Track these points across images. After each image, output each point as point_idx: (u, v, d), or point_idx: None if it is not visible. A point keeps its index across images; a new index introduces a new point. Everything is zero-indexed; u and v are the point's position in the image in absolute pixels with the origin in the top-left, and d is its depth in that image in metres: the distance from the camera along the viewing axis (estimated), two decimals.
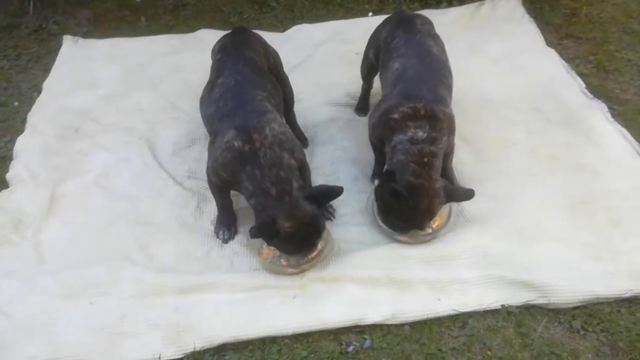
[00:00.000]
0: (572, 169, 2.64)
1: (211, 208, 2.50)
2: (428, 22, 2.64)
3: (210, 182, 2.31)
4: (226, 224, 2.40)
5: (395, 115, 2.28)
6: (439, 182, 2.21)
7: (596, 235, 2.34)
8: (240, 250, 2.34)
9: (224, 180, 2.21)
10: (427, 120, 2.23)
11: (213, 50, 2.59)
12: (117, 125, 2.94)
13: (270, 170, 2.05)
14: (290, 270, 2.21)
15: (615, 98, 3.11)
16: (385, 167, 2.31)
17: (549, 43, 3.51)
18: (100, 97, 3.11)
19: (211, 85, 2.36)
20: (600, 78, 3.29)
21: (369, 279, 2.17)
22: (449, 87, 2.41)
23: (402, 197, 2.16)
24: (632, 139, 2.77)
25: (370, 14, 3.91)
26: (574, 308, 2.13)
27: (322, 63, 3.29)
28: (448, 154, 2.40)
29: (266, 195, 2.04)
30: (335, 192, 2.13)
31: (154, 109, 3.03)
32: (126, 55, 3.40)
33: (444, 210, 2.33)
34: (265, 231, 2.04)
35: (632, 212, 2.44)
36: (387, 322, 2.09)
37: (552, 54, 3.37)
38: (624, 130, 2.83)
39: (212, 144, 2.22)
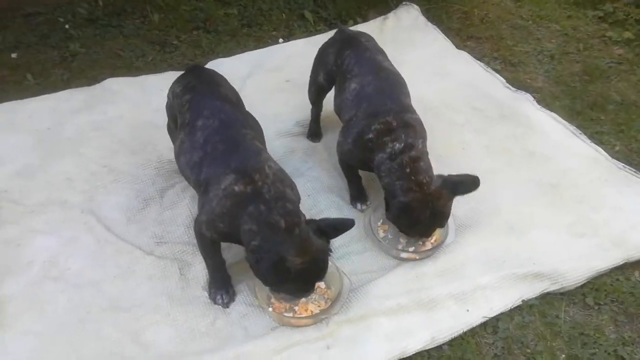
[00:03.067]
0: (527, 158, 2.81)
1: (198, 272, 2.22)
2: (371, 39, 2.65)
3: (202, 239, 2.03)
4: (223, 286, 2.13)
5: (370, 135, 2.24)
6: (435, 183, 2.18)
7: (572, 214, 2.51)
8: (249, 312, 2.09)
9: (221, 233, 1.96)
10: (400, 130, 2.22)
11: (174, 93, 2.30)
12: (46, 202, 2.47)
13: (277, 203, 1.86)
14: (309, 320, 2.02)
15: (530, 87, 3.40)
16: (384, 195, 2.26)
17: (456, 46, 3.73)
18: (11, 174, 2.60)
19: (189, 130, 2.09)
20: (510, 72, 3.58)
21: (397, 308, 2.08)
22: (408, 96, 2.44)
23: (404, 217, 2.13)
24: (563, 121, 3.04)
25: (281, 40, 3.84)
26: (582, 286, 2.25)
27: (257, 96, 3.12)
28: None
29: (274, 229, 1.82)
30: (347, 225, 1.99)
31: (85, 177, 2.61)
32: (28, 120, 2.90)
33: None
34: (277, 272, 1.82)
35: (590, 186, 2.66)
36: (427, 348, 2.00)
37: (465, 55, 3.59)
38: (553, 114, 3.10)
39: (204, 194, 1.95)
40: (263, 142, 2.18)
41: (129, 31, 3.85)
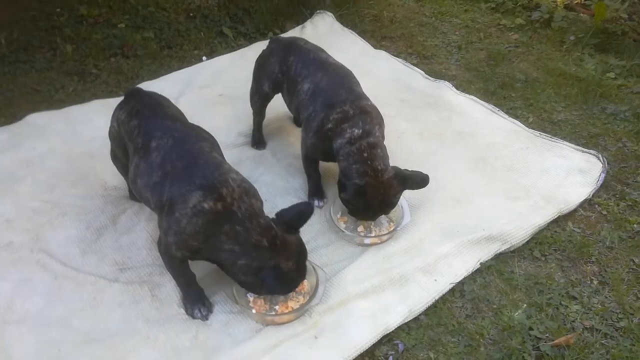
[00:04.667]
0: (456, 138, 3.05)
1: (170, 291, 2.18)
2: (308, 41, 2.76)
3: (170, 260, 2.01)
4: (198, 300, 2.11)
5: (330, 125, 2.35)
6: (389, 172, 2.31)
7: (505, 182, 2.76)
8: (230, 319, 2.09)
9: (193, 251, 1.95)
10: (357, 117, 2.34)
11: (118, 120, 2.23)
12: None
13: (251, 221, 1.90)
14: (292, 315, 2.07)
15: (446, 76, 3.68)
16: (338, 177, 2.35)
17: (374, 46, 3.95)
18: None
19: (143, 153, 2.05)
20: (426, 64, 3.85)
21: (373, 289, 2.17)
22: (359, 85, 2.57)
23: (357, 199, 2.29)
24: (481, 101, 3.32)
25: (204, 58, 3.85)
26: (527, 243, 2.47)
27: (194, 112, 3.07)
28: None
29: (259, 249, 1.89)
30: (307, 212, 2.06)
31: (26, 215, 2.47)
32: None
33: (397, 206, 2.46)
34: (282, 281, 1.95)
35: (514, 155, 2.93)
36: (406, 320, 2.11)
37: (384, 54, 3.81)
38: (471, 96, 3.38)
39: (169, 214, 1.92)
40: (220, 152, 2.19)
41: (41, 65, 3.69)
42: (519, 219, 2.51)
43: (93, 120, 3.07)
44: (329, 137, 2.34)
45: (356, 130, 2.30)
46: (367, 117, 2.35)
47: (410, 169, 2.38)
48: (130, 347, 1.97)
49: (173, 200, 1.92)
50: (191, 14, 4.30)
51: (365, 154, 2.26)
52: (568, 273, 2.36)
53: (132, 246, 2.35)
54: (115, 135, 2.29)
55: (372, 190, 2.26)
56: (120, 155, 2.30)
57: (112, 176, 2.63)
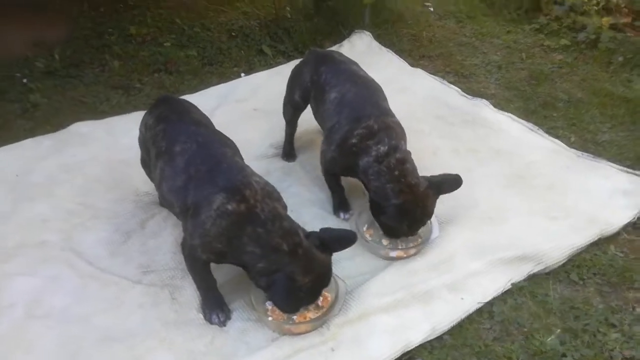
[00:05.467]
0: (493, 155, 2.95)
1: (189, 296, 2.18)
2: (342, 54, 2.78)
3: (194, 263, 2.02)
4: (217, 306, 2.10)
5: (354, 140, 2.32)
6: (423, 184, 2.26)
7: (543, 201, 2.63)
8: (247, 327, 2.06)
9: (217, 254, 1.95)
10: (382, 132, 2.30)
11: (146, 125, 2.30)
12: (22, 245, 2.39)
13: (273, 224, 1.89)
14: (309, 325, 2.01)
15: (485, 95, 3.59)
16: (369, 196, 2.31)
17: (411, 65, 3.92)
18: None
19: (168, 157, 2.09)
20: (464, 83, 3.78)
21: (395, 303, 2.10)
22: (386, 100, 2.55)
23: (399, 218, 2.25)
24: (520, 120, 3.22)
25: (243, 74, 3.93)
26: (564, 265, 2.34)
27: (227, 124, 3.10)
28: None
29: (278, 252, 1.87)
30: (350, 239, 2.02)
31: (61, 216, 2.55)
32: None
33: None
34: (291, 295, 1.89)
35: (553, 174, 2.80)
36: (429, 338, 2.02)
37: (421, 72, 3.78)
38: (510, 114, 3.28)
39: (194, 217, 1.94)
40: (241, 159, 2.21)
41: (89, 79, 3.86)
42: (556, 239, 2.38)
43: (132, 130, 3.13)
44: (353, 152, 2.31)
45: (382, 148, 2.27)
46: (391, 132, 2.32)
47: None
48: (147, 348, 1.97)
49: (197, 203, 1.93)
50: (233, 34, 4.42)
51: (396, 172, 2.22)
52: (608, 299, 2.21)
53: (158, 250, 2.38)
54: (142, 140, 2.35)
55: (412, 206, 2.22)
56: (148, 161, 2.36)
57: (144, 183, 2.69)
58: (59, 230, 2.47)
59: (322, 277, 1.95)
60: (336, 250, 2.00)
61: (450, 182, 2.29)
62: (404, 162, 2.26)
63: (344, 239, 2.00)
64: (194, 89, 3.72)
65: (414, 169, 2.29)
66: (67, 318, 2.08)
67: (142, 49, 4.22)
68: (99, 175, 2.79)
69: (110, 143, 3.05)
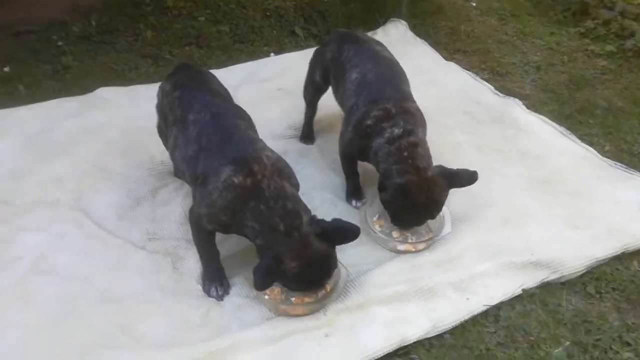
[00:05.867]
0: (518, 157, 2.83)
1: (191, 266, 2.16)
2: (367, 34, 2.70)
3: (199, 231, 1.99)
4: (217, 278, 2.07)
5: (369, 122, 2.25)
6: (432, 170, 2.17)
7: (566, 208, 2.51)
8: (243, 303, 2.03)
9: (222, 225, 1.92)
10: (399, 116, 2.22)
11: (163, 91, 2.29)
12: (35, 202, 2.42)
13: (276, 202, 1.84)
14: (306, 308, 1.96)
15: (518, 95, 3.45)
16: (378, 180, 2.24)
17: (445, 58, 3.80)
18: (0, 176, 2.55)
19: (181, 125, 2.08)
20: (498, 81, 3.64)
21: (396, 296, 2.03)
22: (408, 84, 2.46)
23: (399, 199, 2.14)
24: (553, 123, 3.08)
25: (272, 54, 3.89)
26: (581, 276, 2.22)
27: (249, 103, 3.05)
28: None
29: (274, 232, 1.82)
30: (353, 233, 1.94)
31: (76, 176, 2.57)
32: (18, 126, 2.87)
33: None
34: (270, 274, 1.82)
35: (582, 182, 2.67)
36: (428, 336, 1.94)
37: (454, 66, 3.66)
38: (542, 117, 3.14)
39: (203, 187, 1.91)
40: (256, 132, 2.17)
41: (121, 47, 3.89)
42: (575, 249, 2.26)
43: (155, 99, 3.14)
44: (368, 134, 2.24)
45: (396, 130, 2.19)
46: (409, 117, 2.23)
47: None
48: (142, 313, 1.97)
49: (206, 173, 1.91)
50: (268, 13, 4.38)
51: (405, 153, 2.14)
52: (625, 316, 2.09)
53: (165, 219, 2.37)
54: (159, 107, 2.34)
55: (414, 188, 2.12)
56: (164, 127, 2.34)
57: (160, 152, 2.68)
58: (72, 190, 2.49)
59: (314, 267, 1.85)
60: (337, 243, 1.93)
61: (465, 176, 2.19)
62: (416, 146, 2.18)
63: (347, 232, 1.92)
64: (222, 65, 3.70)
65: (426, 155, 2.20)
66: (68, 275, 2.09)
67: (177, 21, 4.23)
68: (117, 140, 2.80)
69: (132, 110, 3.06)
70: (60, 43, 3.84)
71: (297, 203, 1.91)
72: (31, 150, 2.72)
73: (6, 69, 3.55)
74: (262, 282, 1.83)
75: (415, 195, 2.11)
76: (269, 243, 1.83)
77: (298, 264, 1.82)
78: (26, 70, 3.55)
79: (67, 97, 3.20)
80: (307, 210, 1.92)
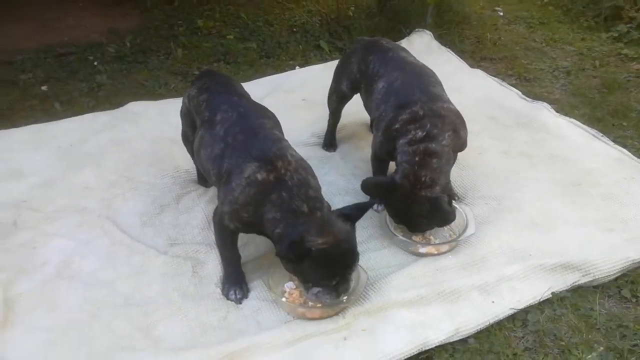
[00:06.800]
0: (547, 161, 2.74)
1: (211, 270, 2.16)
2: (390, 41, 2.70)
3: (222, 231, 2.00)
4: (236, 282, 2.07)
5: (397, 125, 2.24)
6: (429, 191, 2.11)
7: (599, 211, 2.41)
8: (262, 306, 2.01)
9: (245, 223, 1.93)
10: (427, 119, 2.19)
11: (189, 96, 2.34)
12: (64, 209, 2.49)
13: (300, 189, 1.84)
14: (324, 311, 1.93)
15: (547, 99, 3.37)
16: None
17: (470, 66, 3.76)
18: (33, 185, 2.64)
19: (209, 125, 2.12)
20: (525, 86, 3.57)
21: (417, 299, 1.97)
22: (439, 85, 2.42)
23: (385, 191, 2.17)
24: (584, 126, 2.98)
25: (297, 67, 3.94)
26: (615, 279, 2.11)
27: (274, 111, 3.17)
28: (457, 152, 2.35)
29: (296, 214, 1.80)
30: (366, 205, 1.97)
31: (104, 186, 2.64)
32: (53, 139, 2.99)
33: (458, 218, 2.24)
34: (294, 250, 1.76)
35: (615, 185, 2.56)
36: (451, 340, 1.88)
37: (480, 73, 3.61)
38: (572, 120, 3.04)
39: (226, 184, 1.93)
40: (281, 132, 2.19)
41: (153, 65, 4.03)
42: (609, 251, 2.16)
43: None
44: (394, 136, 2.23)
45: (419, 133, 2.16)
46: (437, 120, 2.19)
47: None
48: (162, 316, 1.98)
49: (230, 170, 1.93)
50: (294, 29, 4.47)
51: (416, 158, 2.11)
52: None
53: (187, 224, 2.40)
54: (185, 112, 2.39)
55: (399, 195, 2.13)
56: (190, 134, 2.39)
57: (185, 161, 2.73)
58: (100, 198, 2.55)
59: (338, 244, 1.79)
60: (356, 218, 1.91)
61: (442, 216, 2.14)
62: (431, 155, 2.13)
63: (360, 206, 1.94)
64: (248, 79, 3.76)
65: (440, 169, 2.14)
66: (92, 281, 2.13)
67: (206, 40, 4.36)
68: (145, 150, 2.87)
69: (160, 122, 3.13)
70: (96, 63, 4.02)
71: (320, 193, 1.90)
72: (63, 161, 2.82)
73: (44, 88, 3.72)
74: (293, 259, 1.78)
75: (396, 201, 2.13)
76: (291, 226, 1.79)
77: (325, 240, 1.77)
78: (63, 88, 3.71)
79: (100, 112, 3.31)
80: (328, 203, 1.91)
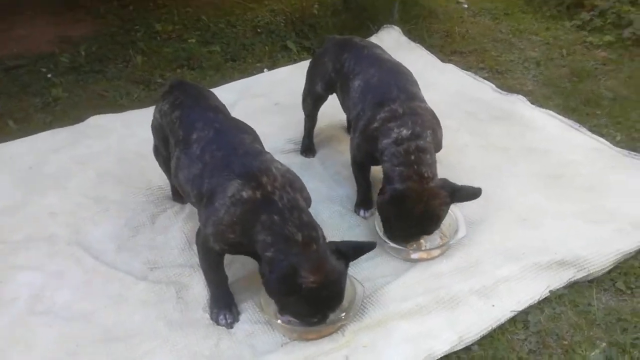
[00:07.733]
0: (526, 154, 2.73)
1: (197, 294, 2.04)
2: (364, 39, 2.62)
3: (207, 254, 1.88)
4: (225, 305, 1.95)
5: (376, 124, 2.16)
6: (436, 181, 2.06)
7: (583, 203, 2.40)
8: (255, 330, 1.91)
9: (231, 244, 1.80)
10: (407, 117, 2.12)
11: (161, 111, 2.19)
12: (29, 239, 2.30)
13: (292, 213, 1.72)
14: (327, 329, 1.83)
15: (521, 91, 3.36)
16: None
17: (441, 60, 3.72)
18: None
19: (184, 145, 1.97)
20: (498, 79, 3.56)
21: (416, 309, 1.91)
22: (416, 84, 2.36)
23: (395, 206, 2.03)
24: (560, 117, 2.98)
25: (265, 69, 3.82)
26: (609, 272, 2.10)
27: (246, 119, 2.98)
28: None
29: (289, 242, 1.69)
30: (367, 246, 1.86)
31: (70, 209, 2.46)
32: (9, 161, 2.77)
33: (448, 220, 2.19)
34: (285, 284, 1.67)
35: (595, 175, 2.56)
36: (455, 349, 1.82)
37: (452, 67, 3.58)
38: (548, 111, 3.04)
39: (209, 205, 1.80)
40: (262, 146, 2.07)
41: (112, 74, 3.82)
42: (599, 245, 2.14)
43: (149, 123, 3.06)
44: (375, 136, 2.14)
45: (404, 131, 2.09)
46: (417, 118, 2.13)
47: (468, 184, 2.12)
48: (148, 349, 1.84)
49: (212, 190, 1.81)
50: (258, 30, 4.33)
51: (412, 157, 2.03)
52: None
53: (166, 246, 2.26)
54: (157, 127, 2.24)
55: (413, 196, 2.00)
56: (162, 149, 2.25)
57: (157, 176, 2.58)
58: (67, 224, 2.38)
59: (327, 285, 1.71)
60: (352, 259, 1.82)
61: (469, 192, 2.07)
62: (424, 152, 2.06)
63: (363, 247, 1.84)
64: (215, 84, 3.60)
65: (433, 164, 2.09)
66: (68, 315, 1.97)
67: (166, 45, 4.17)
68: (112, 167, 2.70)
69: (126, 135, 2.96)
70: (49, 75, 3.78)
71: (312, 217, 1.80)
72: (23, 185, 2.62)
73: None
74: (281, 292, 1.70)
75: (412, 204, 1.99)
76: (283, 254, 1.69)
77: (317, 278, 1.68)
78: (16, 105, 3.47)
79: (58, 129, 3.10)
80: (321, 230, 1.81)
